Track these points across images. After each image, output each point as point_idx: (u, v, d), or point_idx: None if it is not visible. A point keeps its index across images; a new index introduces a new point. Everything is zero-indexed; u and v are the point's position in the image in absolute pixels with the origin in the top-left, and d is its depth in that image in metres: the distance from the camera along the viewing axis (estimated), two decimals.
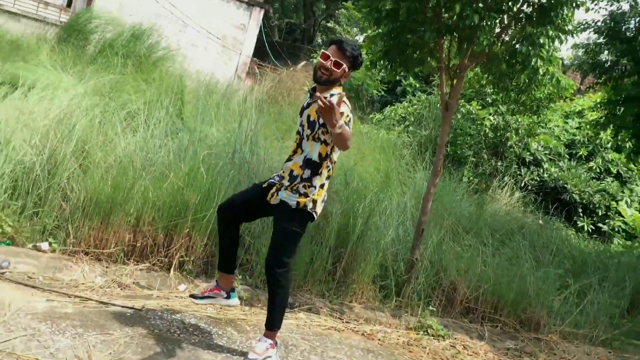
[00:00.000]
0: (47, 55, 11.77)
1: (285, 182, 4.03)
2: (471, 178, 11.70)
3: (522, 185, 12.66)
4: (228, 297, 4.42)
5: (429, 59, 6.06)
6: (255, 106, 11.36)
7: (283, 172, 4.10)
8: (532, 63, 5.29)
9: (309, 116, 4.01)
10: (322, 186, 4.06)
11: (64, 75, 9.49)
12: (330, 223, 5.82)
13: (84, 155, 5.53)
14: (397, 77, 12.53)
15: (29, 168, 5.14)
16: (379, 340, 5.25)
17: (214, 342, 4.28)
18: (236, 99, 14.05)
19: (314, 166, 4.00)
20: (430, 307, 5.93)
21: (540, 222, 11.05)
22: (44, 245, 4.90)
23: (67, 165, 5.26)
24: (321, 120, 3.88)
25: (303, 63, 21.30)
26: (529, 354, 5.87)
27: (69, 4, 26.07)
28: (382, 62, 6.02)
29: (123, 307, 4.43)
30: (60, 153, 5.30)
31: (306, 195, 3.99)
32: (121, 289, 4.77)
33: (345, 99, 3.87)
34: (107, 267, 4.95)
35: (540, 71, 5.46)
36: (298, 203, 3.98)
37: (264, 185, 4.16)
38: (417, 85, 16.72)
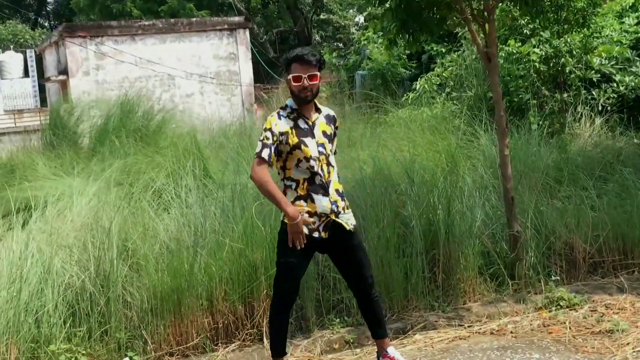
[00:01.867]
0: (45, 165, 12.23)
1: (342, 204, 4.47)
2: (540, 123, 11.65)
3: (600, 108, 12.53)
4: None
5: (449, 14, 6.16)
6: None
7: (329, 198, 4.40)
8: None
9: (324, 132, 4.47)
10: None
11: (71, 180, 9.88)
12: (412, 229, 5.93)
13: (130, 254, 5.77)
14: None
15: (81, 288, 5.40)
16: (511, 332, 5.33)
17: None
18: (252, 133, 14.33)
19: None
20: (554, 278, 5.99)
21: (636, 141, 10.96)
22: None
23: (117, 271, 5.50)
24: (331, 131, 4.55)
25: None
26: None
27: (43, 103, 26.99)
28: (401, 36, 6.15)
29: None
30: (105, 261, 5.55)
31: None
32: None
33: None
34: None
35: None
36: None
37: (323, 236, 4.44)
38: (443, 50, 16.76)
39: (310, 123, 4.42)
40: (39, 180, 10.73)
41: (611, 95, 12.70)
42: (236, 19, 22.08)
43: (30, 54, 28.17)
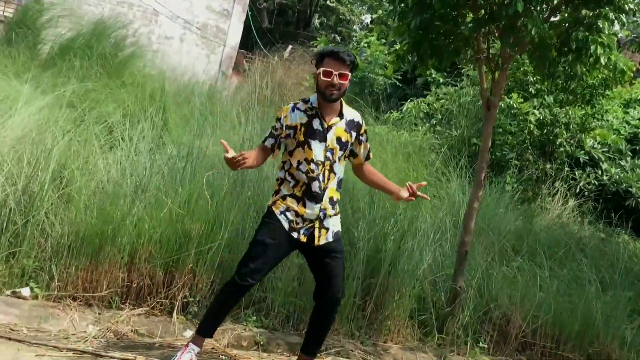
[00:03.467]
0: None
1: (331, 212, 4.55)
2: (515, 185, 11.91)
3: (577, 191, 12.84)
4: None
5: (464, 49, 6.31)
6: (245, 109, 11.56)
7: (320, 206, 4.49)
8: (591, 51, 5.55)
9: (339, 138, 4.49)
10: None
11: (19, 84, 9.77)
12: (357, 250, 6.04)
13: (64, 183, 5.78)
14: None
15: (2, 201, 5.39)
16: None
17: None
18: (222, 101, 14.33)
19: (341, 186, 4.66)
20: (481, 344, 6.16)
21: (602, 235, 11.28)
22: (25, 291, 5.15)
23: (46, 196, 5.51)
24: (352, 138, 4.58)
25: (289, 48, 21.59)
26: None
27: None
28: (409, 57, 6.28)
29: (123, 359, 4.67)
30: (36, 183, 5.55)
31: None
32: (118, 339, 5.01)
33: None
34: (99, 314, 5.20)
35: (602, 60, 5.70)
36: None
37: (301, 239, 4.51)
38: (441, 78, 16.93)
39: (326, 125, 4.47)
40: None
41: (593, 182, 13.04)
42: None
43: None
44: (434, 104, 15.41)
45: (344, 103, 4.57)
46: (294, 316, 5.86)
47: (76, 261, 5.28)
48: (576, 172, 13.11)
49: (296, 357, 5.25)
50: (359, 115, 4.67)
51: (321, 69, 4.38)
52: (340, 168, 4.57)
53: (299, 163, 4.46)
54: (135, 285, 5.41)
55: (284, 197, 4.50)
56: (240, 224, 5.82)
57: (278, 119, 4.52)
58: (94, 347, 4.77)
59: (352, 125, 4.58)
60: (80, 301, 5.25)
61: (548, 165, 12.79)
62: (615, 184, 13.13)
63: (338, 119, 4.51)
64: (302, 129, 4.46)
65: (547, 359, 6.49)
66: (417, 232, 6.77)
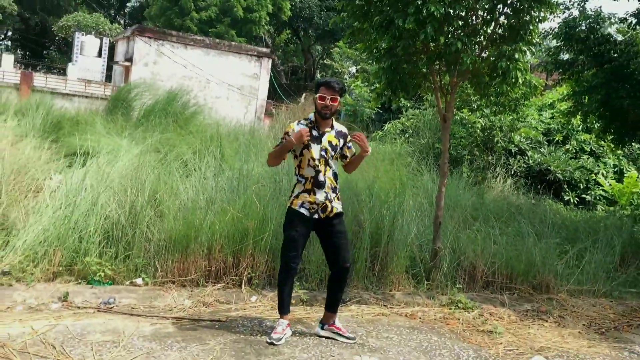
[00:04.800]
0: (102, 125, 12.12)
1: (332, 195, 4.44)
2: (469, 173, 11.84)
3: (512, 173, 12.77)
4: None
5: (424, 82, 6.27)
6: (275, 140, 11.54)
7: (325, 191, 4.39)
8: (512, 74, 5.51)
9: (330, 142, 4.42)
10: None
11: (120, 140, 9.82)
12: (364, 229, 6.01)
13: (157, 203, 5.79)
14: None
15: (116, 220, 5.41)
16: (420, 318, 5.41)
17: (290, 338, 4.48)
18: (260, 136, 14.35)
19: (337, 177, 4.55)
20: (457, 286, 6.09)
21: (533, 201, 11.17)
22: (139, 281, 5.15)
23: (145, 214, 5.52)
24: (341, 143, 4.47)
25: (304, 95, 21.62)
26: (544, 312, 5.99)
27: (107, 79, 26.68)
28: (386, 92, 6.24)
29: (211, 321, 4.65)
30: (138, 205, 5.56)
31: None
32: (206, 307, 4.98)
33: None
34: (191, 291, 5.19)
35: (520, 80, 5.65)
36: (342, 206, 4.57)
37: (315, 217, 4.42)
38: (409, 104, 16.88)
39: (321, 132, 4.41)
40: (96, 135, 10.62)
41: (522, 165, 12.96)
42: (264, 49, 22.04)
43: (105, 41, 27.86)
44: (406, 123, 15.36)
45: (334, 121, 4.49)
46: (326, 279, 5.81)
47: (172, 256, 5.28)
48: (510, 160, 13.03)
49: None
50: (345, 129, 4.57)
51: (317, 95, 4.34)
52: (333, 164, 4.46)
53: (309, 162, 4.40)
54: (213, 268, 5.39)
55: (297, 196, 4.42)
56: (280, 219, 5.78)
57: (286, 132, 4.42)
58: (190, 315, 4.75)
59: (341, 135, 4.48)
60: (177, 284, 5.24)
61: (490, 157, 12.71)
62: (538, 165, 13.06)
63: (330, 129, 4.45)
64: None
65: (504, 291, 6.41)
66: (404, 212, 6.72)
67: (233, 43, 21.96)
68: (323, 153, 4.41)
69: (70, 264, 5.04)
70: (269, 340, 4.33)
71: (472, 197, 9.56)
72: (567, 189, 12.84)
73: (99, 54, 28.12)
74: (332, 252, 4.50)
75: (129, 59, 20.50)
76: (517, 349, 4.83)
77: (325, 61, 34.49)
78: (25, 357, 3.62)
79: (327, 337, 4.56)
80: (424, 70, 6.05)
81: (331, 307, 4.63)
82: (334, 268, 4.53)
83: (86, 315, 4.46)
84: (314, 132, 4.42)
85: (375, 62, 6.00)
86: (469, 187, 10.33)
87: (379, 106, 18.46)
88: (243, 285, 5.39)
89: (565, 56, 9.81)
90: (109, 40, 27.80)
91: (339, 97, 4.36)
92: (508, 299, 6.19)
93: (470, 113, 12.25)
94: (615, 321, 6.01)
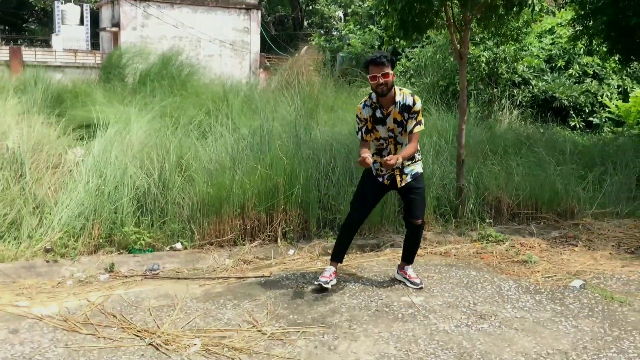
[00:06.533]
0: (102, 95, 12.03)
1: (406, 163, 4.46)
2: (476, 109, 11.83)
3: (518, 103, 12.76)
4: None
5: (436, 20, 6.21)
6: (278, 95, 11.43)
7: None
8: (530, 3, 5.46)
9: (395, 119, 4.34)
10: None
11: (124, 108, 9.77)
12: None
13: (184, 168, 5.83)
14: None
15: (147, 189, 5.47)
16: (454, 255, 5.55)
17: (336, 286, 4.60)
18: (258, 92, 14.22)
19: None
20: (487, 219, 6.21)
21: (541, 130, 11.21)
22: (178, 246, 5.25)
23: (174, 180, 5.57)
24: (406, 117, 4.33)
25: (305, 48, 21.32)
26: (572, 237, 6.14)
27: (94, 47, 26.20)
28: (399, 32, 6.19)
29: (256, 277, 4.77)
30: (166, 172, 5.61)
31: (420, 159, 4.63)
32: (247, 265, 5.10)
33: (415, 96, 4.37)
34: (230, 251, 5.30)
35: (537, 8, 5.61)
36: (421, 166, 4.59)
37: (385, 182, 4.51)
38: (404, 43, 16.64)
39: (385, 113, 4.33)
40: (99, 105, 10.54)
41: (527, 95, 12.95)
42: (252, 1, 21.60)
43: (86, 7, 27.19)
44: (406, 64, 15.22)
45: (397, 91, 4.31)
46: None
47: (207, 219, 5.36)
48: (515, 91, 13.00)
49: (364, 254, 5.39)
50: (411, 98, 4.30)
51: (369, 76, 4.26)
52: (404, 140, 4.39)
53: (376, 139, 4.46)
54: (248, 227, 5.47)
55: (373, 155, 4.47)
56: (307, 173, 5.84)
57: (357, 116, 4.45)
58: (235, 273, 4.87)
59: (404, 108, 4.31)
60: (215, 245, 5.34)
61: (495, 90, 12.68)
62: (543, 93, 13.04)
63: (393, 106, 4.31)
64: (370, 119, 4.40)
65: (531, 221, 6.55)
66: (425, 153, 6.76)
67: None
68: (390, 134, 4.41)
69: (109, 235, 5.12)
70: (316, 282, 4.48)
71: (482, 132, 9.59)
72: (574, 114, 12.87)
73: (81, 22, 27.48)
74: (405, 207, 4.59)
75: (116, 24, 20.10)
76: (555, 275, 4.98)
77: (311, 7, 33.83)
78: (90, 329, 3.74)
79: (399, 281, 4.73)
80: (435, 6, 5.98)
81: (404, 257, 4.76)
82: (406, 223, 4.64)
83: (135, 283, 4.58)
84: (378, 114, 4.38)
85: (388, 3, 5.92)
86: (477, 123, 10.34)
87: (375, 49, 18.25)
88: (279, 240, 5.50)
89: None
90: (89, 7, 27.15)
91: (390, 70, 4.21)
92: (535, 228, 6.33)
93: (473, 47, 12.11)
94: None
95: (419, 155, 4.58)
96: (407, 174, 4.49)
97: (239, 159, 5.82)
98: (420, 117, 4.36)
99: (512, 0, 5.60)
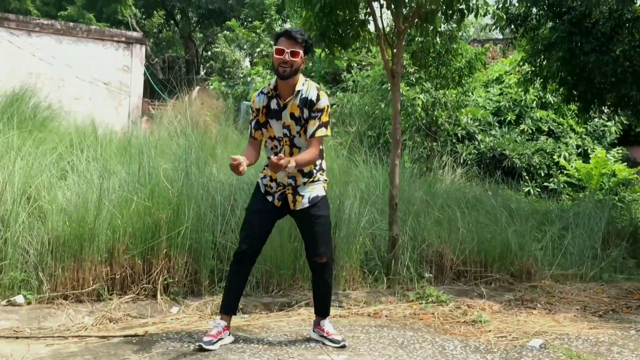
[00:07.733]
0: None
1: (301, 180, 4.38)
2: (411, 163, 12.19)
3: (462, 161, 13.28)
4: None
5: (362, 32, 6.46)
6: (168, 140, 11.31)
7: (287, 175, 4.35)
8: (473, 2, 5.81)
9: (292, 114, 4.30)
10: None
11: None
12: None
13: (31, 201, 5.55)
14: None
15: None
16: (386, 316, 5.54)
17: (232, 345, 4.44)
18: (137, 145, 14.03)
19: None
20: (426, 275, 6.27)
21: (490, 192, 11.67)
22: (19, 299, 4.92)
23: (18, 213, 5.27)
24: (305, 114, 4.28)
25: (197, 89, 21.45)
26: (529, 301, 6.29)
27: None
28: (319, 44, 6.36)
29: (126, 336, 4.53)
30: (8, 201, 5.32)
31: (325, 180, 4.51)
32: (114, 323, 4.85)
33: (321, 91, 4.34)
34: (92, 306, 5.02)
35: (481, 11, 5.95)
36: (324, 188, 4.48)
37: (276, 203, 4.44)
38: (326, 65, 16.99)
39: (282, 104, 4.30)
40: None
41: (472, 151, 13.54)
42: (134, 33, 21.67)
43: None
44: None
45: (301, 80, 4.31)
46: (262, 281, 5.83)
47: (61, 264, 5.09)
48: (458, 146, 13.56)
49: (271, 314, 5.29)
50: (316, 92, 4.28)
51: (275, 48, 4.22)
52: (302, 142, 4.34)
53: (266, 140, 4.43)
54: (118, 276, 5.24)
55: (264, 167, 4.47)
56: (200, 209, 5.74)
57: (250, 107, 4.44)
58: (96, 332, 4.60)
59: (305, 102, 4.27)
60: (71, 299, 5.06)
61: (434, 143, 13.15)
62: (490, 150, 13.67)
63: (293, 97, 4.28)
64: (264, 110, 4.36)
65: (479, 281, 6.68)
66: (349, 200, 6.82)
67: (93, 27, 21.46)
68: (285, 132, 4.34)
69: None
70: (197, 344, 4.31)
71: (420, 190, 9.85)
72: (527, 177, 13.52)
73: None
74: (305, 242, 4.53)
75: None
76: (510, 335, 5.06)
77: (209, 52, 34.41)
78: None
79: (316, 340, 4.64)
80: (362, 15, 6.24)
81: (317, 310, 4.70)
82: (309, 263, 4.56)
83: None
84: (273, 104, 4.34)
85: (305, 4, 6.10)
86: (413, 180, 10.64)
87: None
88: (159, 295, 5.29)
89: (517, 10, 10.36)
90: None
91: (301, 52, 4.21)
92: (485, 289, 6.46)
93: (408, 88, 12.64)
94: (612, 304, 6.41)
95: (322, 174, 4.50)
96: (302, 196, 4.40)
97: (107, 188, 5.60)
98: (325, 119, 4.29)
99: (453, 6, 5.93)
